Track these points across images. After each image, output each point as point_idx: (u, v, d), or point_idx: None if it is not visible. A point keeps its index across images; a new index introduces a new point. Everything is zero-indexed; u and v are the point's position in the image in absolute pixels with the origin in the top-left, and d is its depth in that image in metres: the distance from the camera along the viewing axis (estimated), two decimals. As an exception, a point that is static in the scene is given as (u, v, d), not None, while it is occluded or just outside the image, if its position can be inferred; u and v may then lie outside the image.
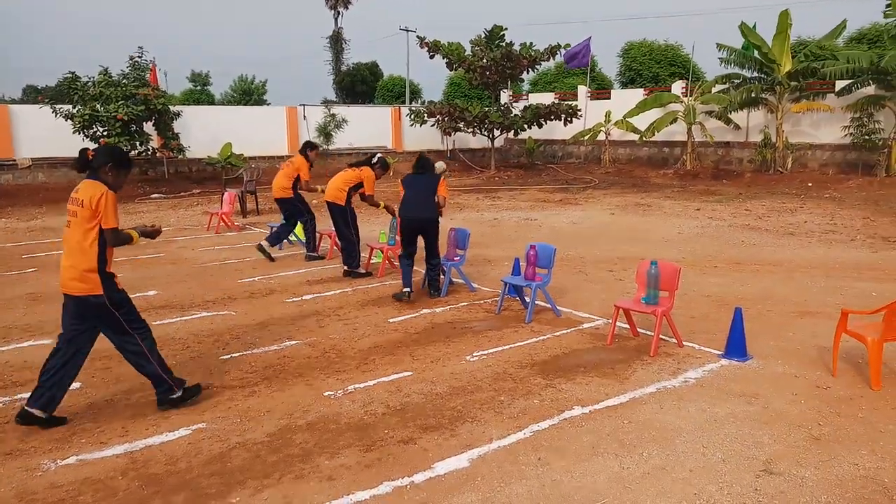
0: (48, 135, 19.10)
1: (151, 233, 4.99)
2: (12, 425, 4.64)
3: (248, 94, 50.28)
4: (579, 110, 24.89)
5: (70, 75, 18.50)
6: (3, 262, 10.33)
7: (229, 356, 5.95)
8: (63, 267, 4.63)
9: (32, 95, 55.00)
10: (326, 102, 28.21)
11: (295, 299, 7.87)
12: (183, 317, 7.18)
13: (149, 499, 3.73)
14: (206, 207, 16.12)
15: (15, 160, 19.17)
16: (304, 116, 24.89)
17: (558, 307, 7.16)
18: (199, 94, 49.41)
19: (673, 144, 24.41)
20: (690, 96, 22.86)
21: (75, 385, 5.30)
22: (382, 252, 9.22)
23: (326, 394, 5.11)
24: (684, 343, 6.08)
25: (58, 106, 18.23)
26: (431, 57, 24.96)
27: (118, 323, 4.66)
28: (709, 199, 17.03)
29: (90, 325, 4.68)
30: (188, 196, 18.97)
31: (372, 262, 9.50)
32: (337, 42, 60.80)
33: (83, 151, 4.71)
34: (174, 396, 4.87)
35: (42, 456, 4.23)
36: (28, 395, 4.70)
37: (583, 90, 27.25)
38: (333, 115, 24.66)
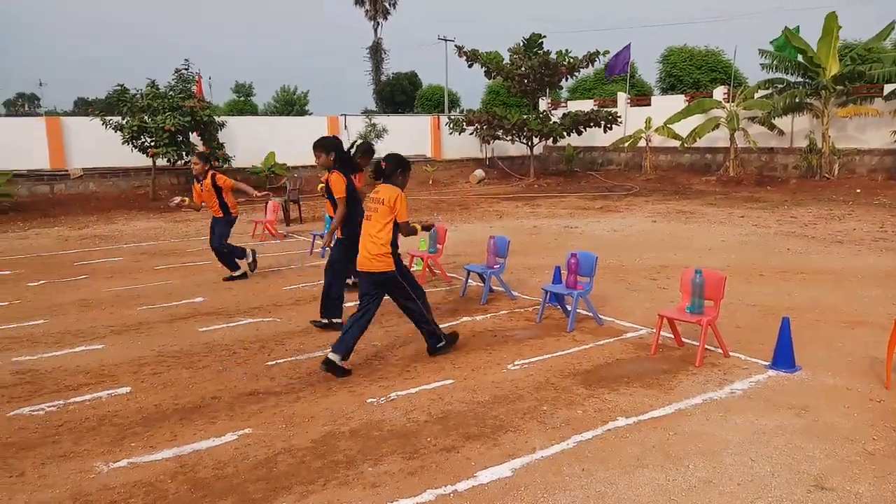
0: (98, 146, 19.67)
1: (428, 226, 6.28)
2: (67, 428, 4.79)
3: (291, 104, 50.97)
4: (619, 117, 24.69)
5: (119, 88, 19.04)
6: (56, 269, 10.65)
7: (274, 362, 6.04)
8: (362, 250, 5.77)
9: (83, 107, 56.76)
10: (367, 112, 28.46)
11: (337, 307, 7.94)
12: (229, 323, 7.31)
13: (197, 502, 3.80)
14: (249, 216, 16.39)
15: (67, 170, 19.77)
16: (345, 126, 25.17)
17: (600, 316, 7.10)
18: (243, 104, 50.23)
19: (715, 151, 24.03)
20: (733, 102, 22.49)
21: (125, 389, 5.47)
22: (423, 260, 9.27)
23: (369, 401, 5.15)
24: (730, 353, 5.98)
25: (108, 118, 18.75)
26: (470, 66, 25.10)
27: (404, 290, 5.87)
28: (753, 206, 16.72)
29: (381, 293, 5.83)
30: (232, 205, 19.32)
31: (413, 269, 9.54)
32: (377, 52, 61.47)
33: (378, 163, 5.86)
34: (440, 345, 6.08)
35: (95, 458, 4.34)
36: (80, 397, 4.85)
37: (622, 97, 27.03)
38: (374, 125, 24.89)
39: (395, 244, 5.76)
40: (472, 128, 25.07)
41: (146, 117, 18.43)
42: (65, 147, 20.20)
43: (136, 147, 18.79)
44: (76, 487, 4.00)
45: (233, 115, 29.70)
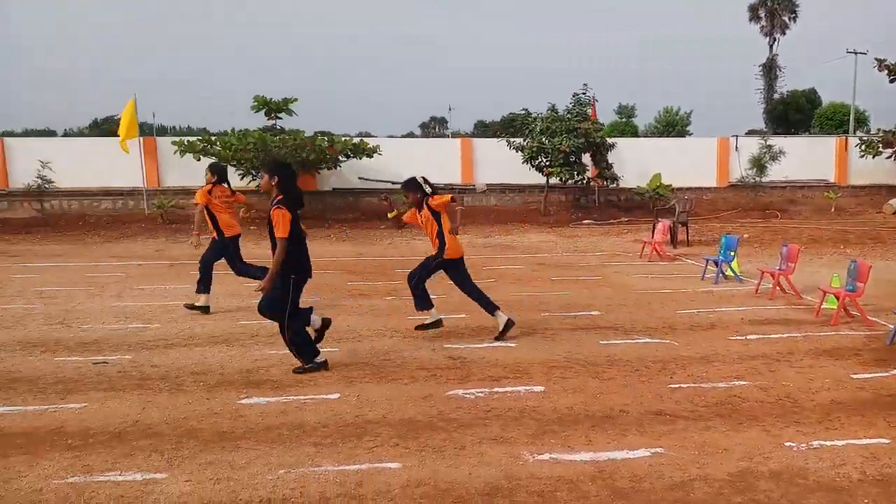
0: (498, 164, 21.89)
1: None
2: (494, 414, 5.38)
3: (672, 125, 50.24)
4: None
5: (523, 112, 20.91)
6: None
7: (677, 386, 6.00)
8: None
9: (481, 129, 63.58)
10: (762, 133, 26.69)
11: (739, 337, 7.59)
12: (627, 340, 7.49)
13: (617, 509, 3.96)
14: (635, 235, 16.61)
15: (473, 185, 22.35)
16: (736, 148, 23.92)
17: None
18: (624, 125, 51.07)
19: None
20: None
21: (539, 388, 5.93)
22: (837, 298, 8.33)
23: (787, 444, 4.80)
24: None
25: (511, 139, 20.73)
26: (892, 81, 21.85)
27: None
28: None
29: None
30: (616, 224, 19.80)
31: (822, 307, 8.66)
32: (770, 70, 57.38)
33: None
34: None
35: (521, 447, 4.80)
36: (502, 388, 5.46)
37: None
38: (770, 147, 23.18)
39: None
40: (890, 150, 21.82)
41: (544, 139, 19.88)
42: (473, 164, 22.84)
43: (533, 167, 20.40)
44: (508, 470, 4.46)
45: (614, 135, 30.36)
